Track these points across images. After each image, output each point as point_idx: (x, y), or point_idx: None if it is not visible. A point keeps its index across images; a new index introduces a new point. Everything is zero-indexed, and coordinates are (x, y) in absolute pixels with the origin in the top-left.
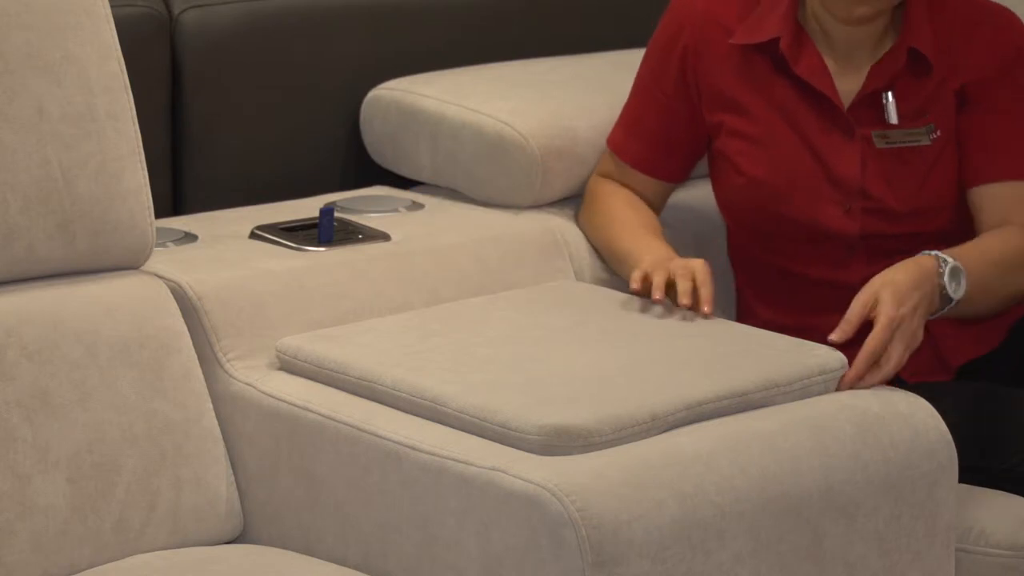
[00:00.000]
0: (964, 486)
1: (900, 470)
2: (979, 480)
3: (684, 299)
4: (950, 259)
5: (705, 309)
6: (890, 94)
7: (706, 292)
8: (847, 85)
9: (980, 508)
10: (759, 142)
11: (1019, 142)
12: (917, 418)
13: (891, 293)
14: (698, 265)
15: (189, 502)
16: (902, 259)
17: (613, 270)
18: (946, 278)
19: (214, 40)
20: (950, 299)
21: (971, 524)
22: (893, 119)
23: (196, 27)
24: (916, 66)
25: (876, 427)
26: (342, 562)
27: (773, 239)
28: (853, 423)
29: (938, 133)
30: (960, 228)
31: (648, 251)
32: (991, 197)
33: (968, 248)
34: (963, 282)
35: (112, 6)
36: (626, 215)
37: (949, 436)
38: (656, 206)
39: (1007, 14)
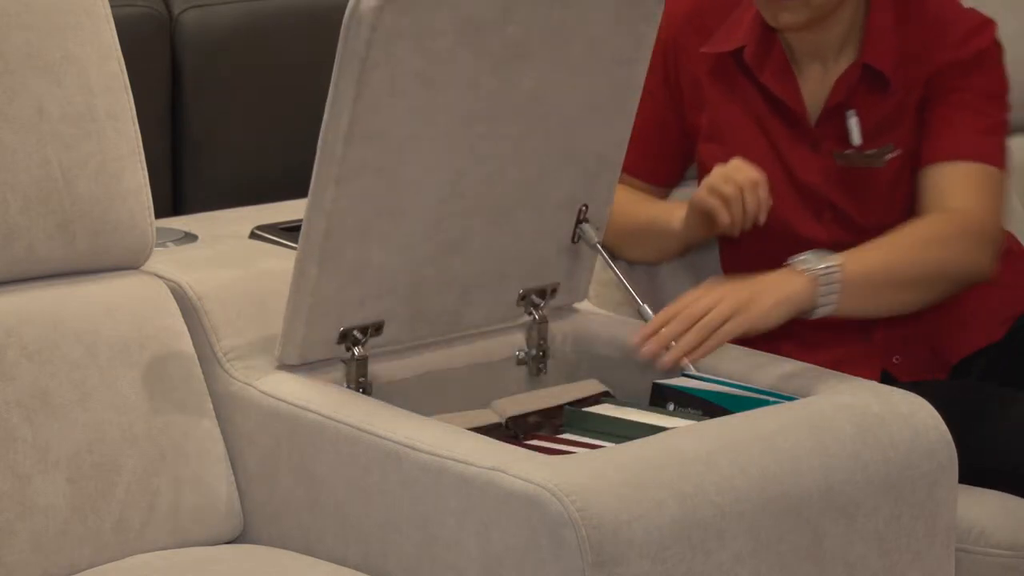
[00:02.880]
0: (964, 486)
1: (900, 470)
2: (979, 481)
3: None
4: (832, 275)
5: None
6: (853, 113)
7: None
8: (816, 94)
9: (980, 508)
10: (732, 148)
11: (963, 126)
12: (917, 418)
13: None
14: (743, 172)
15: (189, 502)
16: None
17: (639, 253)
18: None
19: (214, 40)
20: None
21: (971, 524)
22: (856, 139)
23: (196, 27)
24: (874, 83)
25: (876, 427)
26: (342, 562)
27: (752, 246)
28: (853, 423)
29: (897, 152)
30: None
31: (674, 208)
32: (930, 178)
33: (870, 256)
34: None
35: (112, 6)
36: (627, 197)
37: (949, 436)
38: None
39: (980, 19)
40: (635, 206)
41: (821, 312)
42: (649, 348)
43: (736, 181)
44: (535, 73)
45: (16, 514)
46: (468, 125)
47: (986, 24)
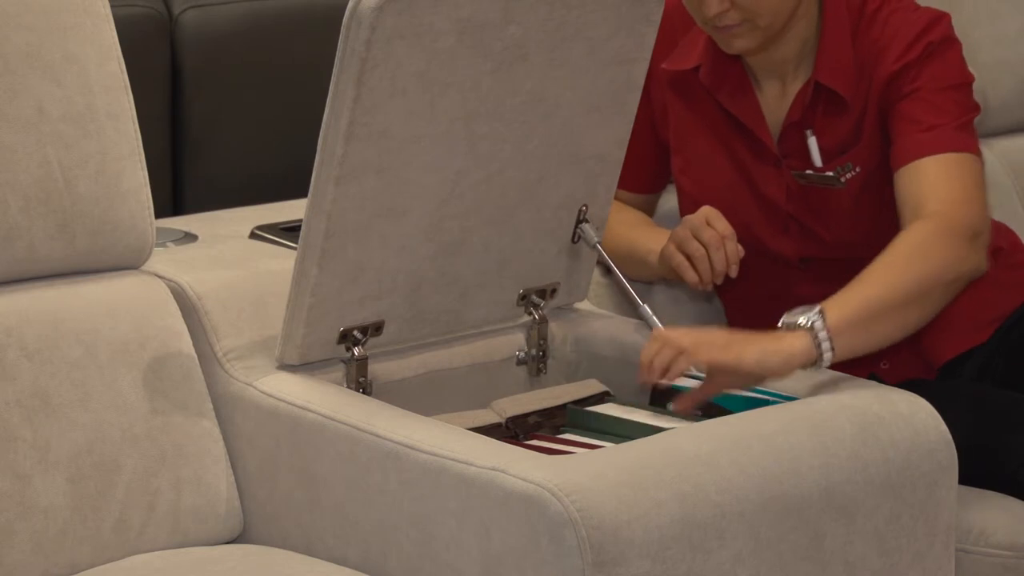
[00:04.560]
0: (964, 486)
1: (900, 470)
2: (977, 484)
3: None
4: (818, 325)
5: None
6: (811, 134)
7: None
8: (776, 111)
9: (980, 508)
10: (696, 162)
11: (922, 123)
12: (917, 418)
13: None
14: (711, 227)
15: (189, 502)
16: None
17: (624, 272)
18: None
19: (214, 40)
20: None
21: (971, 524)
22: (816, 161)
23: (196, 27)
24: (831, 101)
25: (876, 427)
26: (342, 562)
27: None
28: (853, 423)
29: (856, 171)
30: None
31: (653, 240)
32: (903, 183)
33: (851, 296)
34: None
35: (112, 6)
36: (612, 218)
37: (949, 436)
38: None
39: (929, 18)
40: (618, 229)
41: (826, 361)
42: (644, 377)
43: (703, 239)
44: (535, 73)
45: (16, 514)
46: (468, 125)
47: (936, 20)
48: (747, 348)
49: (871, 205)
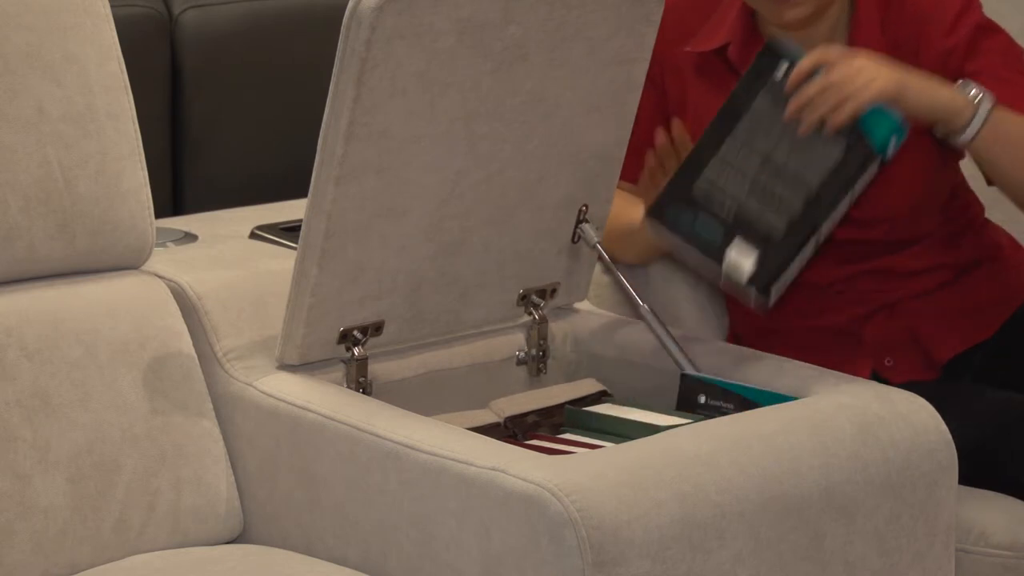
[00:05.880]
0: (964, 486)
1: (900, 470)
2: (977, 484)
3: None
4: (984, 104)
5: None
6: None
7: None
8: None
9: (980, 508)
10: None
11: (1007, 89)
12: (917, 418)
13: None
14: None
15: (189, 502)
16: (871, 263)
17: (629, 255)
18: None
19: (214, 40)
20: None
21: (971, 524)
22: None
23: (196, 27)
24: None
25: (876, 427)
26: (342, 562)
27: None
28: (853, 423)
29: None
30: (940, 234)
31: (632, 210)
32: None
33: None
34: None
35: (112, 6)
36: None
37: (949, 436)
38: None
39: (963, 1)
40: (619, 211)
41: (965, 135)
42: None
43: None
44: (535, 73)
45: (16, 514)
46: (468, 125)
47: (969, 3)
48: (916, 96)
49: (900, 180)
